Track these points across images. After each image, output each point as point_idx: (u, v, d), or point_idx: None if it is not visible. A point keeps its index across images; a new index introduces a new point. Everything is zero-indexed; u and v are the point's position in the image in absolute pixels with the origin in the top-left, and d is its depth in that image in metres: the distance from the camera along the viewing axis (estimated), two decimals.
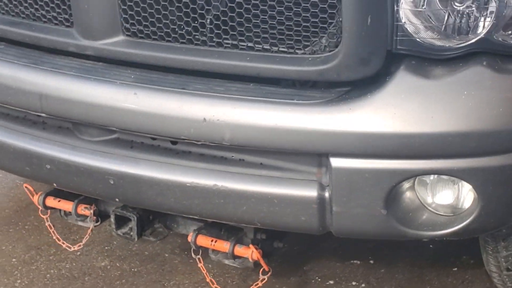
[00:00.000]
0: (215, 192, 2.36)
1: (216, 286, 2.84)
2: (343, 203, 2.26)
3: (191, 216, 2.53)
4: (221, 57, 2.34)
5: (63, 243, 3.09)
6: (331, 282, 3.22)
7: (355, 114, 2.19)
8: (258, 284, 2.73)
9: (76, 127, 2.56)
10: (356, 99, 2.21)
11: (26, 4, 2.61)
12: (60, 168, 2.55)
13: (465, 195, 2.31)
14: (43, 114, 2.52)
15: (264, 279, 2.70)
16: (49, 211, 3.01)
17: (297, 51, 2.27)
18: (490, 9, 2.20)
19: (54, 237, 3.07)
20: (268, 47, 2.29)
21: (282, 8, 2.22)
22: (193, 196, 2.39)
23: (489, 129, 2.17)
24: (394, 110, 2.18)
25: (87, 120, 2.45)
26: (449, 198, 2.33)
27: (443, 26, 2.22)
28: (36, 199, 2.96)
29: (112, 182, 2.48)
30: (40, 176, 2.62)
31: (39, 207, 2.98)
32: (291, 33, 2.25)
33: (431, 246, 3.46)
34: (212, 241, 2.70)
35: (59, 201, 2.94)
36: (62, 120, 2.57)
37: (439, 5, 2.21)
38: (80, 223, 3.03)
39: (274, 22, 2.25)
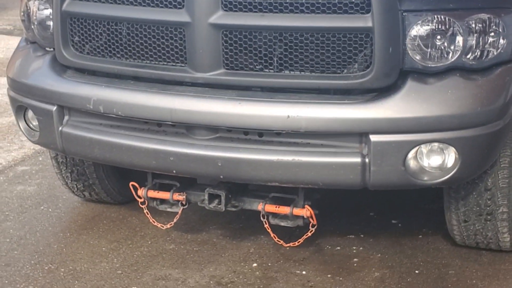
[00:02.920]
0: (294, 164, 3.69)
1: (278, 239, 4.14)
2: (378, 164, 3.64)
3: (273, 184, 3.81)
4: (293, 78, 3.71)
5: (158, 224, 4.31)
6: (338, 248, 4.55)
7: (385, 107, 3.60)
8: (308, 234, 4.05)
9: (190, 130, 3.83)
10: (384, 99, 3.62)
11: (152, 53, 3.90)
12: (181, 159, 3.81)
13: (448, 158, 3.72)
14: (171, 122, 3.79)
15: (312, 230, 4.03)
16: (146, 201, 4.25)
17: (343, 71, 3.67)
18: (457, 44, 3.67)
19: (151, 220, 4.30)
20: (323, 71, 3.68)
21: (335, 51, 3.64)
22: (278, 168, 3.70)
23: (465, 112, 3.62)
24: (407, 103, 3.61)
25: (205, 123, 3.74)
26: (437, 161, 3.74)
27: (428, 54, 3.68)
28: (141, 192, 4.20)
29: (220, 164, 3.76)
30: (164, 166, 3.86)
31: (141, 199, 4.21)
32: (340, 61, 3.66)
33: (399, 225, 4.86)
34: (276, 207, 4.01)
35: (158, 192, 4.19)
36: (179, 128, 3.85)
37: (425, 42, 3.67)
38: (168, 210, 4.27)
39: (328, 57, 3.66)
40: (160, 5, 3.81)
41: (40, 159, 5.94)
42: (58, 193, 5.30)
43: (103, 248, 4.52)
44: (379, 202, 5.09)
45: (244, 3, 3.67)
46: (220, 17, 3.69)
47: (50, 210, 5.05)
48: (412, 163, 3.68)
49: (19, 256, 4.42)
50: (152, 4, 3.83)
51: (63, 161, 4.80)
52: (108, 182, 4.90)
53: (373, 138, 3.62)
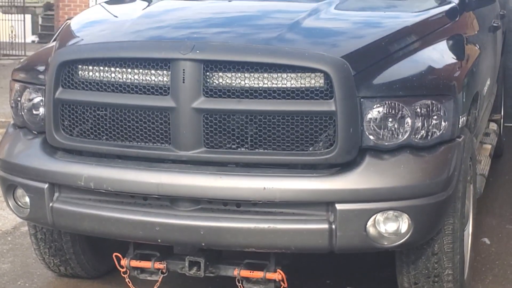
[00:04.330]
0: (269, 231, 4.17)
1: None
2: (343, 230, 4.15)
3: (251, 250, 4.28)
4: (266, 155, 4.23)
5: None
6: None
7: (348, 180, 4.14)
8: None
9: (174, 203, 4.28)
10: (347, 172, 4.16)
11: (138, 134, 4.37)
12: (166, 229, 4.25)
13: (402, 224, 4.27)
14: (157, 196, 4.25)
15: None
16: (128, 271, 4.64)
17: (309, 150, 4.21)
18: (406, 125, 4.27)
19: None
20: (293, 149, 4.21)
21: (303, 131, 4.18)
22: (255, 235, 4.18)
23: (415, 184, 4.19)
24: (366, 176, 4.16)
25: (189, 196, 4.21)
26: (393, 227, 4.28)
27: (382, 134, 4.27)
28: (123, 262, 4.60)
29: (202, 233, 4.22)
30: (150, 236, 4.29)
31: (123, 269, 4.61)
32: (308, 140, 4.20)
33: None
34: (250, 272, 4.47)
35: (139, 261, 4.60)
36: (163, 200, 4.30)
37: (379, 124, 4.25)
38: (148, 278, 4.67)
39: (297, 136, 4.20)
40: (147, 93, 4.31)
41: (9, 239, 6.25)
42: (32, 269, 5.62)
43: None
44: (333, 271, 5.58)
45: (223, 90, 4.19)
46: (201, 103, 4.20)
47: (27, 285, 5.37)
48: (372, 229, 4.20)
49: None
50: (139, 92, 4.32)
51: (42, 237, 5.16)
52: (83, 257, 5.26)
53: (339, 206, 4.14)
